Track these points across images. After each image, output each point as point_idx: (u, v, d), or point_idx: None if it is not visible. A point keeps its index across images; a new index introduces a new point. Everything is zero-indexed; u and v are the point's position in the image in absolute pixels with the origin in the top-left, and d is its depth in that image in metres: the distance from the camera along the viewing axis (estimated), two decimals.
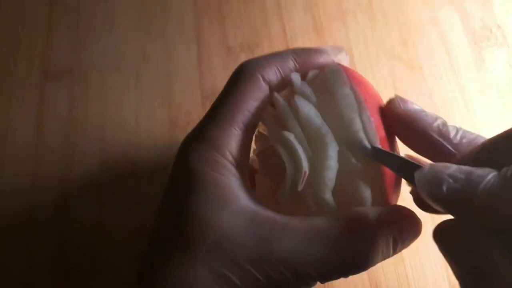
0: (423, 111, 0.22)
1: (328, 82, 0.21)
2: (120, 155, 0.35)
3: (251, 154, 0.23)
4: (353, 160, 0.20)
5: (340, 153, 0.20)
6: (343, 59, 0.24)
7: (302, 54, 0.23)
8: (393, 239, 0.20)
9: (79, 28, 0.40)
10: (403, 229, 0.21)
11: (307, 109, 0.21)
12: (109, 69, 0.38)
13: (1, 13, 0.41)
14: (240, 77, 0.22)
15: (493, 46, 0.37)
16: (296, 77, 0.22)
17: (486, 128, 0.34)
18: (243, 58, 0.38)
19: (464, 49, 0.37)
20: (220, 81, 0.37)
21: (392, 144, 0.22)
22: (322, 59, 0.23)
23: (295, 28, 0.39)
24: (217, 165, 0.20)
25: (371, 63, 0.37)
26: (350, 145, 0.21)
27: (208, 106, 0.36)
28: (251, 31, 0.39)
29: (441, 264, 0.30)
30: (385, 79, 0.36)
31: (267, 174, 0.23)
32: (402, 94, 0.36)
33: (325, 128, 0.21)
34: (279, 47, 0.38)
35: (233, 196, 0.20)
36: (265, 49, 0.38)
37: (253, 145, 0.23)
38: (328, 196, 0.20)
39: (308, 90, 0.22)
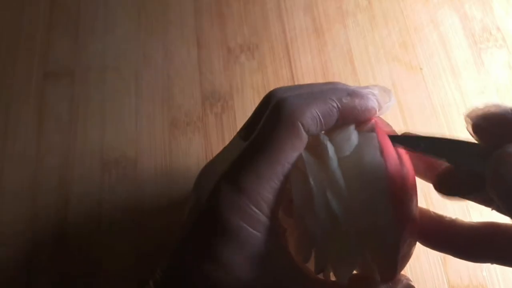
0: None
1: (365, 181, 0.20)
2: (120, 156, 0.35)
3: None
4: (373, 258, 0.21)
5: (362, 246, 0.21)
6: (387, 105, 0.23)
7: (347, 100, 0.21)
8: None
9: (79, 28, 0.40)
10: None
11: (337, 208, 0.20)
12: (109, 69, 0.38)
13: (1, 13, 0.41)
14: (280, 122, 0.20)
15: (492, 47, 0.37)
16: (332, 158, 0.20)
17: None
18: (243, 59, 0.38)
19: (463, 50, 0.37)
20: (220, 81, 0.37)
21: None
22: (365, 106, 0.21)
23: (295, 29, 0.39)
24: (253, 221, 0.20)
25: (371, 64, 0.37)
26: (375, 238, 0.21)
27: (208, 107, 0.36)
28: (251, 32, 0.39)
29: (441, 265, 0.30)
30: (385, 81, 0.36)
31: (287, 214, 0.23)
32: (402, 95, 0.36)
33: (352, 235, 0.20)
34: (279, 48, 0.38)
35: (264, 254, 0.20)
36: (265, 50, 0.38)
37: None
38: (343, 283, 0.21)
39: (341, 182, 0.20)
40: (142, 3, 0.41)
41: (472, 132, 0.19)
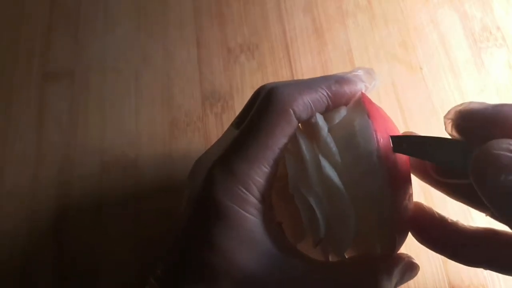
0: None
1: (355, 145, 0.21)
2: (120, 156, 0.35)
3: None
4: (368, 222, 0.21)
5: (358, 217, 0.21)
6: (373, 85, 0.24)
7: (335, 88, 0.22)
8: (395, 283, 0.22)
9: (79, 28, 0.40)
10: (404, 276, 0.23)
11: (331, 172, 0.20)
12: (109, 69, 0.38)
13: (1, 13, 0.41)
14: (271, 109, 0.21)
15: (492, 47, 0.37)
16: (323, 126, 0.21)
17: None
18: (243, 59, 0.38)
19: (463, 50, 0.37)
20: (220, 82, 0.37)
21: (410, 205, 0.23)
22: (354, 91, 0.23)
23: (295, 29, 0.39)
24: (244, 203, 0.20)
25: (371, 64, 0.37)
26: (370, 208, 0.21)
27: (208, 107, 0.36)
28: (251, 32, 0.39)
29: (441, 265, 0.30)
30: (385, 80, 0.36)
31: (287, 204, 0.23)
32: (402, 95, 0.36)
33: (346, 199, 0.20)
34: (279, 48, 0.38)
35: (259, 237, 0.20)
36: (265, 50, 0.38)
37: None
38: (342, 255, 0.22)
39: (334, 148, 0.21)
40: (142, 3, 0.41)
41: (451, 132, 0.20)
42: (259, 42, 0.38)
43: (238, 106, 0.36)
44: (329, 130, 0.21)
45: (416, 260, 0.30)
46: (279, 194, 0.24)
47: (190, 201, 0.22)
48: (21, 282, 0.31)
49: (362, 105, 0.22)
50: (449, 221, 0.23)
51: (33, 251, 0.32)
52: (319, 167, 0.20)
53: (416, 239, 0.23)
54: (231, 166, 0.20)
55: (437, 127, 0.34)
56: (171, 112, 0.36)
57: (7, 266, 0.32)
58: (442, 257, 0.30)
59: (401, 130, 0.34)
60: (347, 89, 0.22)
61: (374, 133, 0.20)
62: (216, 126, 0.35)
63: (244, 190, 0.20)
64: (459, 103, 0.35)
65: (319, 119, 0.22)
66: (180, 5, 0.40)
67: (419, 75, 0.36)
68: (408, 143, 0.20)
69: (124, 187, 0.34)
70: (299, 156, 0.21)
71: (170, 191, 0.34)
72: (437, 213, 0.23)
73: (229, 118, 0.36)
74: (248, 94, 0.36)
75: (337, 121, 0.22)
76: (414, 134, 0.23)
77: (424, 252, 0.31)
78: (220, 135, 0.35)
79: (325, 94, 0.22)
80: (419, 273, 0.30)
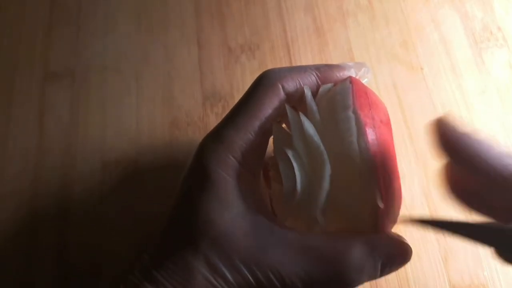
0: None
1: (334, 102, 0.22)
2: (121, 156, 0.35)
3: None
4: (347, 183, 0.21)
5: (335, 174, 0.21)
6: (364, 76, 0.25)
7: (324, 70, 0.24)
8: (381, 263, 0.21)
9: (80, 29, 0.40)
10: (391, 255, 0.21)
11: (310, 129, 0.21)
12: (109, 69, 0.38)
13: (2, 14, 0.41)
14: (261, 83, 0.23)
15: (493, 47, 0.37)
16: (307, 92, 0.23)
17: (486, 129, 0.34)
18: (243, 59, 0.38)
19: (464, 50, 0.37)
20: (221, 82, 0.37)
21: (390, 170, 0.22)
22: (343, 75, 0.24)
23: (296, 29, 0.39)
24: (228, 167, 0.21)
25: (372, 64, 0.37)
26: (346, 165, 0.21)
27: (209, 107, 0.36)
28: (252, 32, 0.39)
29: (441, 265, 0.30)
30: (386, 80, 0.36)
31: (277, 179, 0.24)
32: (402, 95, 0.36)
33: (322, 149, 0.21)
34: (279, 48, 0.38)
35: (238, 199, 0.21)
36: (266, 50, 0.38)
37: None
38: (318, 214, 0.21)
39: (314, 107, 0.22)
40: (143, 3, 0.41)
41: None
42: (260, 42, 0.38)
43: None
44: (314, 98, 0.23)
45: (417, 260, 0.31)
46: (274, 177, 0.24)
47: (184, 172, 0.23)
48: (22, 282, 0.31)
49: (347, 79, 0.23)
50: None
51: (34, 251, 0.32)
52: (300, 126, 0.22)
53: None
54: (220, 134, 0.22)
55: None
56: (172, 112, 0.36)
57: (8, 266, 0.32)
58: (443, 256, 0.31)
59: (401, 130, 0.34)
60: (336, 72, 0.24)
61: (352, 91, 0.22)
62: None
63: (229, 155, 0.21)
64: (459, 103, 0.35)
65: (306, 88, 0.23)
66: (180, 5, 0.40)
67: (419, 75, 0.36)
68: (443, 228, 0.19)
69: (125, 187, 0.34)
70: (286, 124, 0.22)
71: (171, 191, 0.34)
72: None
73: None
74: None
75: (322, 93, 0.23)
76: (440, 220, 0.20)
77: (425, 252, 0.31)
78: None
79: (314, 74, 0.23)
80: (420, 272, 0.30)
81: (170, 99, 0.37)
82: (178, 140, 0.35)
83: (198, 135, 0.35)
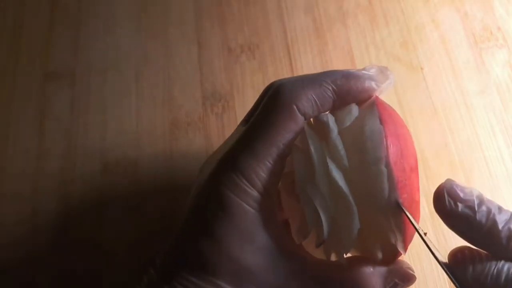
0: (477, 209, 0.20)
1: (363, 149, 0.20)
2: (121, 156, 0.35)
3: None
4: (372, 232, 0.21)
5: (361, 222, 0.21)
6: (386, 84, 0.23)
7: (341, 83, 0.22)
8: None
9: (80, 28, 0.40)
10: (398, 284, 0.23)
11: (337, 176, 0.20)
12: (110, 70, 0.38)
13: (2, 14, 0.41)
14: (276, 106, 0.21)
15: (493, 47, 0.37)
16: (332, 126, 0.21)
17: (486, 129, 0.34)
18: (243, 59, 0.38)
19: (464, 50, 0.37)
20: (221, 82, 0.37)
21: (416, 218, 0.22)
22: (362, 89, 0.22)
23: (296, 29, 0.39)
24: (249, 198, 0.21)
25: (371, 64, 0.37)
26: (373, 216, 0.21)
27: (209, 107, 0.36)
28: (252, 32, 0.39)
29: None
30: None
31: (291, 205, 0.24)
32: (402, 95, 0.36)
33: (350, 200, 0.20)
34: (279, 48, 0.38)
35: (258, 231, 0.21)
36: (265, 50, 0.38)
37: None
38: (341, 255, 0.22)
39: (342, 151, 0.21)
40: (143, 3, 0.41)
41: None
42: (260, 42, 0.38)
43: (239, 106, 0.36)
44: (339, 132, 0.21)
45: (418, 260, 0.31)
46: (287, 190, 0.24)
47: (195, 194, 0.22)
48: (22, 282, 0.31)
49: (374, 108, 0.21)
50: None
51: (34, 251, 0.32)
52: (326, 169, 0.20)
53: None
54: (236, 160, 0.21)
55: (438, 127, 0.34)
56: (172, 112, 0.36)
57: (9, 265, 0.32)
58: (443, 256, 0.30)
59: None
60: (353, 84, 0.22)
61: (384, 139, 0.20)
62: (217, 126, 0.35)
63: (247, 183, 0.21)
64: (459, 103, 0.35)
65: (330, 119, 0.21)
66: (180, 5, 0.40)
67: (419, 75, 0.36)
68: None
69: (125, 187, 0.34)
70: (307, 156, 0.21)
71: (171, 191, 0.34)
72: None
73: (229, 118, 0.36)
74: (249, 94, 0.36)
75: (348, 123, 0.21)
76: None
77: (424, 251, 0.31)
78: (221, 135, 0.36)
79: (330, 88, 0.22)
80: (420, 272, 0.30)
81: (170, 99, 0.37)
82: (178, 140, 0.35)
83: (198, 135, 0.35)
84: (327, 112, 0.22)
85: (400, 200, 0.20)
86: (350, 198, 0.20)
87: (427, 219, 0.32)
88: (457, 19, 0.38)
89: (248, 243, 0.20)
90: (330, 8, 0.39)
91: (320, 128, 0.22)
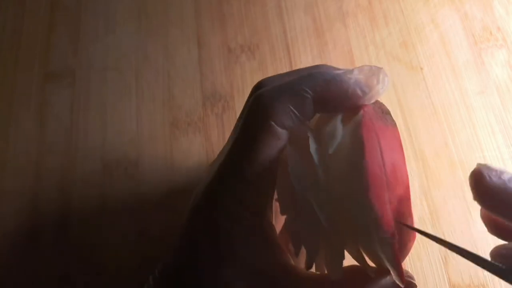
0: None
1: (346, 184, 0.20)
2: (121, 156, 0.35)
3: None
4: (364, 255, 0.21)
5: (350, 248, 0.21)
6: (378, 89, 0.21)
7: (321, 89, 0.20)
8: None
9: (80, 28, 0.40)
10: None
11: (319, 208, 0.20)
12: (110, 69, 0.38)
13: (2, 14, 0.41)
14: (254, 123, 0.21)
15: (493, 47, 0.37)
16: (315, 155, 0.20)
17: (486, 129, 0.34)
18: (243, 59, 0.38)
19: (464, 50, 0.37)
20: (221, 82, 0.37)
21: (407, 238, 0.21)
22: (345, 96, 0.20)
23: (296, 29, 0.39)
24: (240, 218, 0.20)
25: (371, 64, 0.37)
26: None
27: (209, 107, 0.36)
28: (252, 32, 0.39)
29: (441, 264, 0.31)
30: None
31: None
32: (402, 95, 0.36)
33: (333, 236, 0.20)
34: (279, 48, 0.38)
35: (253, 252, 0.21)
36: (265, 50, 0.38)
37: None
38: (337, 274, 0.21)
39: (322, 179, 0.20)
40: (143, 3, 0.41)
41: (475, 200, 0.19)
42: (260, 42, 0.38)
43: (239, 106, 0.36)
44: (322, 159, 0.20)
45: (417, 259, 0.31)
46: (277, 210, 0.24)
47: (189, 214, 0.22)
48: (23, 281, 0.31)
49: (358, 132, 0.20)
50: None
51: (35, 252, 0.32)
52: (308, 201, 0.20)
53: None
54: (224, 184, 0.21)
55: (437, 127, 0.35)
56: (172, 112, 0.36)
57: (9, 266, 0.32)
58: (443, 256, 0.31)
59: (401, 130, 0.34)
60: (335, 91, 0.20)
61: (366, 174, 0.19)
62: (217, 126, 0.35)
63: (237, 207, 0.20)
64: (459, 103, 0.35)
65: (312, 145, 0.20)
66: (181, 5, 0.40)
67: (419, 75, 0.36)
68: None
69: (125, 187, 0.34)
70: (289, 179, 0.20)
71: (171, 191, 0.34)
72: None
73: (229, 118, 0.36)
74: (249, 94, 0.36)
75: (330, 151, 0.20)
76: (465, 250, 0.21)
77: (424, 252, 0.31)
78: (221, 135, 0.36)
79: (309, 97, 0.20)
80: (420, 272, 0.30)
81: (170, 99, 0.37)
82: (178, 140, 0.35)
83: (198, 135, 0.35)
84: (308, 126, 0.21)
85: (385, 236, 0.19)
86: (332, 231, 0.20)
87: (427, 219, 0.32)
88: (457, 19, 0.38)
89: (242, 268, 0.20)
90: (330, 8, 0.40)
91: (303, 142, 0.21)
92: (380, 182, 0.19)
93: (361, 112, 0.20)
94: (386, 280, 0.21)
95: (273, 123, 0.20)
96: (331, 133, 0.20)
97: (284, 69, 0.37)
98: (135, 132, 0.36)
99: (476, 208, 0.31)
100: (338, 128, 0.20)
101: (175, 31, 0.39)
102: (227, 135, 0.35)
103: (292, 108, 0.20)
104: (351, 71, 0.21)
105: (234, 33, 0.39)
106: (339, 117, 0.21)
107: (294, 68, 0.37)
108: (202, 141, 0.35)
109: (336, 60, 0.37)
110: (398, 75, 0.36)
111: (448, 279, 0.30)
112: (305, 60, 0.37)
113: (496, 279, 0.30)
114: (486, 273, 0.30)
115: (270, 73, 0.37)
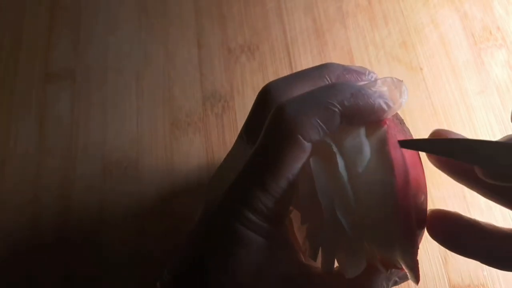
0: None
1: (375, 203, 0.20)
2: (121, 156, 0.35)
3: None
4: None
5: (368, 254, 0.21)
6: (400, 102, 0.21)
7: (349, 103, 0.20)
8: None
9: (80, 29, 0.40)
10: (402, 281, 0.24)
11: (344, 222, 0.20)
12: (110, 70, 0.38)
13: (2, 14, 0.41)
14: (280, 135, 0.20)
15: (492, 47, 0.37)
16: (343, 172, 0.20)
17: (486, 129, 0.34)
18: (243, 59, 0.38)
19: (464, 50, 0.37)
20: (221, 82, 0.37)
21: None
22: (371, 110, 0.20)
23: (296, 30, 0.39)
24: (261, 229, 0.20)
25: (371, 64, 0.37)
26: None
27: (209, 107, 0.36)
28: (252, 32, 0.39)
29: (441, 265, 0.31)
30: None
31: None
32: None
33: (359, 250, 0.21)
34: (279, 48, 0.38)
35: (269, 262, 0.21)
36: (265, 51, 0.38)
37: None
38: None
39: (352, 200, 0.20)
40: (143, 4, 0.41)
41: None
42: (260, 43, 0.38)
43: (239, 106, 0.36)
44: (349, 176, 0.20)
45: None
46: (297, 205, 0.23)
47: (204, 224, 0.22)
48: (22, 282, 0.31)
49: (386, 150, 0.20)
50: (482, 225, 0.21)
51: (35, 252, 0.32)
52: (335, 216, 0.20)
53: (446, 248, 0.23)
54: (246, 196, 0.20)
55: (438, 127, 0.34)
56: (172, 113, 0.36)
57: (10, 267, 0.32)
58: (443, 257, 0.31)
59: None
60: (362, 106, 0.20)
61: (395, 194, 0.19)
62: (217, 127, 0.36)
63: (259, 217, 0.20)
64: (459, 103, 0.35)
65: (340, 161, 0.20)
66: (181, 6, 0.40)
67: (419, 75, 0.36)
68: (456, 148, 0.20)
69: (126, 187, 0.34)
70: (315, 191, 0.20)
71: (171, 191, 0.34)
72: (464, 217, 0.22)
73: (229, 119, 0.36)
74: (248, 95, 0.36)
75: (359, 169, 0.20)
76: (460, 137, 0.21)
77: (424, 252, 0.31)
78: (221, 135, 0.36)
79: (337, 111, 0.20)
80: (420, 272, 0.30)
81: (170, 99, 0.37)
82: (179, 141, 0.35)
83: (198, 136, 0.35)
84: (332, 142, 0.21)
85: (409, 248, 0.20)
86: (357, 242, 0.20)
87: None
88: (456, 19, 0.38)
89: (262, 279, 0.20)
90: (329, 9, 0.40)
91: (327, 155, 0.21)
92: (407, 201, 0.19)
93: (385, 127, 0.21)
94: (400, 275, 0.23)
95: (300, 136, 0.20)
96: (357, 149, 0.20)
97: (284, 69, 0.37)
98: (135, 132, 0.36)
99: (476, 208, 0.31)
100: (365, 144, 0.20)
101: (175, 32, 0.39)
102: (227, 135, 0.35)
103: (319, 122, 0.20)
104: (374, 83, 0.21)
105: (234, 33, 0.39)
106: (362, 131, 0.21)
107: (294, 68, 0.37)
108: (202, 141, 0.35)
109: (336, 60, 0.37)
110: (398, 76, 0.36)
111: (448, 279, 0.30)
112: (305, 60, 0.37)
113: (496, 279, 0.30)
114: (486, 273, 0.30)
115: (270, 73, 0.37)
